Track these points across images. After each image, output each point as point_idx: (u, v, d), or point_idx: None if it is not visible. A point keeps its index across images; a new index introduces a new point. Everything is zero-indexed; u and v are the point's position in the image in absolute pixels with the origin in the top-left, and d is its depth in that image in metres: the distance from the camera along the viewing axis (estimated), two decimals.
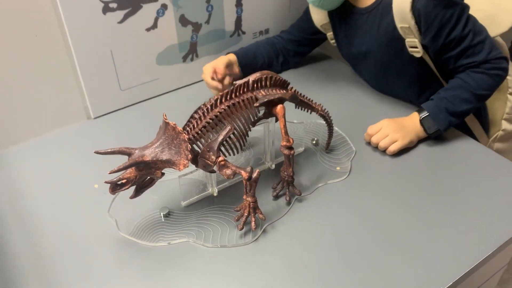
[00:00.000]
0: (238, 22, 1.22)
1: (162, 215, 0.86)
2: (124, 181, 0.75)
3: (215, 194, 0.90)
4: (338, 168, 0.96)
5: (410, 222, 0.84)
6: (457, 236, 0.81)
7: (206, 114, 0.79)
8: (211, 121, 0.78)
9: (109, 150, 0.74)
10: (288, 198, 0.88)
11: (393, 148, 0.96)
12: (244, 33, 1.25)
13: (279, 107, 0.82)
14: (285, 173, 0.87)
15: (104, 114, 1.14)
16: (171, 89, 1.21)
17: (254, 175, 0.79)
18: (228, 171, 0.78)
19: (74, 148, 1.04)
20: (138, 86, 1.14)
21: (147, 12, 1.05)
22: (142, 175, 0.76)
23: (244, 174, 0.78)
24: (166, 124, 0.75)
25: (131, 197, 0.79)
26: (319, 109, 0.92)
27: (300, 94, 0.89)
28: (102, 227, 0.85)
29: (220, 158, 0.78)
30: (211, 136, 0.78)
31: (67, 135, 1.08)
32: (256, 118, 0.82)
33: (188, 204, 0.89)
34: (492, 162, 0.97)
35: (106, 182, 0.73)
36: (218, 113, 0.78)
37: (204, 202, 0.89)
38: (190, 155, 0.75)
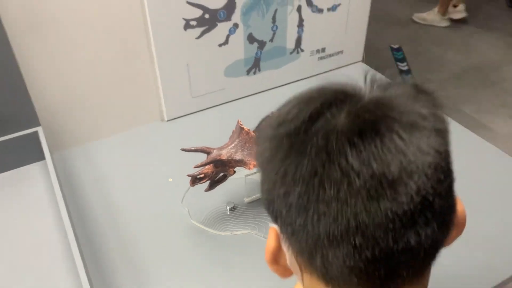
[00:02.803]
0: (298, 40, 1.34)
1: (228, 208, 0.99)
2: (202, 175, 0.88)
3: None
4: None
5: None
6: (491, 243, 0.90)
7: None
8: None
9: (193, 148, 0.87)
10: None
11: None
12: (302, 50, 1.37)
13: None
14: None
15: (176, 117, 1.28)
16: (235, 98, 1.34)
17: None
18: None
19: (148, 146, 1.19)
20: (207, 94, 1.28)
21: (221, 29, 1.19)
22: (218, 171, 0.89)
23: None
24: (241, 129, 0.88)
25: (206, 190, 0.92)
26: None
27: None
28: (176, 215, 0.98)
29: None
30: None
31: (143, 134, 1.23)
32: None
33: (250, 201, 1.01)
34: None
35: (188, 175, 0.87)
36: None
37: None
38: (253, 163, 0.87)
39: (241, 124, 0.88)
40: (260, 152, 0.42)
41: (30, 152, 1.08)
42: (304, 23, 1.32)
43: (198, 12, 1.13)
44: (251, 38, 1.26)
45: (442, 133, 0.39)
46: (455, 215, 0.41)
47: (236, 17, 1.20)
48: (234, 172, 0.90)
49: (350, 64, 1.49)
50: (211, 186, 0.92)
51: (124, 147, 1.19)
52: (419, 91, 0.40)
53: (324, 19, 1.34)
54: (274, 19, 1.26)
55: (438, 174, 0.37)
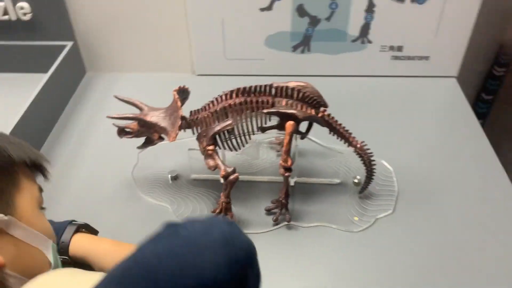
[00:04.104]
0: (365, 29, 1.11)
1: (169, 177, 0.92)
2: (129, 130, 0.82)
3: (222, 181, 0.91)
4: (356, 218, 0.84)
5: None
6: None
7: (216, 103, 0.79)
8: (216, 112, 0.78)
9: (126, 99, 0.82)
10: (275, 219, 0.82)
11: None
12: (370, 42, 1.14)
13: (288, 123, 0.75)
14: (280, 193, 0.81)
15: (207, 74, 1.22)
16: (276, 74, 1.20)
17: (232, 177, 0.76)
18: (211, 162, 0.77)
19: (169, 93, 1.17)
20: (244, 60, 1.18)
21: None
22: (143, 131, 0.82)
23: (222, 172, 0.76)
24: (174, 99, 0.78)
25: (138, 147, 0.86)
26: (356, 145, 0.81)
27: (336, 121, 0.80)
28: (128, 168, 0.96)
29: (209, 147, 0.78)
30: (212, 125, 0.78)
31: (169, 80, 1.20)
32: (265, 125, 0.78)
33: (196, 178, 0.92)
34: None
35: (114, 125, 0.82)
36: (227, 106, 0.77)
37: (209, 184, 0.91)
38: (177, 131, 0.77)
39: (175, 93, 0.78)
40: None
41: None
42: (376, 9, 1.08)
43: None
44: (301, 11, 1.09)
45: None
46: None
47: None
48: (161, 138, 0.82)
49: (438, 77, 1.18)
50: (142, 146, 0.86)
51: (146, 88, 1.19)
52: None
53: (405, 10, 1.08)
54: None
55: None
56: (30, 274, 0.48)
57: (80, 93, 1.18)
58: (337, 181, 0.90)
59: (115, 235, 0.71)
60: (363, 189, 0.86)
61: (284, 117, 0.76)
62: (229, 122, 0.77)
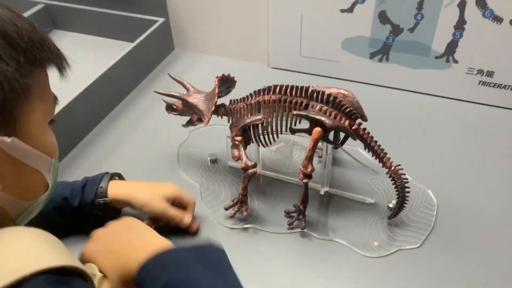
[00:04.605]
0: (452, 47, 1.01)
1: (209, 160, 0.95)
2: (175, 107, 0.87)
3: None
4: (376, 243, 0.78)
5: None
6: None
7: (254, 96, 0.79)
8: (251, 105, 0.78)
9: (177, 78, 0.86)
10: (290, 222, 0.80)
11: None
12: (456, 62, 1.03)
13: (315, 129, 0.73)
14: (299, 198, 0.79)
15: (281, 68, 1.22)
16: (350, 79, 1.16)
17: (250, 170, 0.77)
18: (236, 152, 0.78)
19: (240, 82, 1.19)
20: (318, 60, 1.16)
21: None
22: (185, 111, 0.86)
23: (242, 164, 0.77)
24: (215, 83, 0.80)
25: (182, 125, 0.90)
26: (390, 166, 0.75)
27: (371, 137, 0.75)
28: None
29: (237, 137, 0.79)
30: (244, 116, 0.79)
31: (244, 69, 1.24)
32: (295, 127, 0.76)
33: (232, 165, 0.93)
34: None
35: (163, 100, 0.87)
36: (261, 101, 0.77)
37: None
38: (210, 116, 0.79)
39: (216, 79, 0.80)
40: None
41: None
42: (467, 26, 0.98)
43: None
44: (383, 17, 1.03)
45: None
46: None
47: None
48: (199, 119, 0.85)
49: None
50: (186, 125, 0.89)
51: (222, 72, 1.23)
52: None
53: (502, 32, 0.96)
54: (420, 5, 0.98)
55: None
56: (25, 197, 0.46)
57: (162, 67, 1.27)
58: (370, 200, 0.85)
59: None
60: (394, 215, 0.80)
61: (313, 122, 0.73)
62: (259, 117, 0.77)
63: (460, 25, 0.98)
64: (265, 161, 0.92)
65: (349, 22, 1.07)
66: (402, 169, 0.75)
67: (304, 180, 0.75)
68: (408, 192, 0.76)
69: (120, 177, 0.81)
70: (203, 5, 1.22)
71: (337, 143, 0.79)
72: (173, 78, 0.87)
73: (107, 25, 1.32)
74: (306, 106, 0.75)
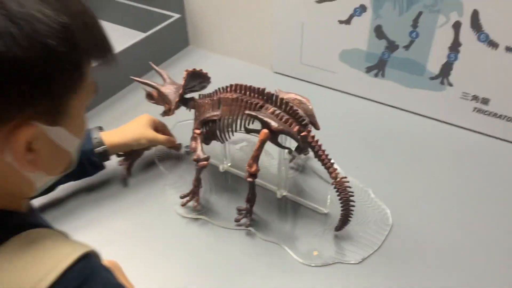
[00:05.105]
0: (447, 69, 0.98)
1: (184, 151, 0.99)
2: (152, 96, 0.91)
3: (221, 170, 0.94)
4: (315, 252, 0.78)
5: None
6: None
7: (218, 93, 0.82)
8: (213, 101, 0.81)
9: (158, 70, 0.91)
10: (237, 219, 0.82)
11: None
12: (450, 85, 1.00)
13: (263, 131, 0.74)
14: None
15: (283, 74, 1.24)
16: (346, 91, 1.15)
17: (201, 163, 0.80)
18: (193, 144, 0.82)
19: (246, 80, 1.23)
20: (317, 69, 1.16)
21: (345, 4, 1.02)
22: (159, 100, 0.90)
23: (195, 156, 0.80)
24: (183, 76, 0.84)
25: (160, 114, 0.95)
26: (336, 177, 0.75)
27: (319, 145, 0.75)
28: None
29: (196, 130, 0.82)
30: (206, 111, 0.82)
31: (248, 71, 1.27)
32: (248, 126, 0.78)
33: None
34: None
35: (143, 89, 0.92)
36: (221, 98, 0.80)
37: (211, 168, 0.95)
38: (173, 107, 0.84)
39: (185, 74, 0.83)
40: None
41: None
42: (462, 49, 0.94)
43: None
44: (379, 32, 1.02)
45: None
46: None
47: None
48: (171, 111, 0.89)
49: None
50: (163, 114, 0.93)
51: (227, 71, 1.26)
52: None
53: (497, 58, 0.91)
54: (415, 22, 0.96)
55: None
56: (53, 172, 0.49)
57: (173, 61, 1.32)
58: (324, 210, 0.85)
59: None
60: (339, 227, 0.79)
61: (262, 124, 0.75)
62: (217, 113, 0.80)
63: (455, 47, 0.95)
64: (235, 159, 0.94)
65: (346, 34, 1.06)
66: (348, 181, 0.75)
67: (249, 179, 0.76)
68: (353, 206, 0.75)
69: (101, 129, 0.89)
70: (216, 6, 1.26)
71: (290, 149, 0.80)
72: (153, 68, 0.91)
73: (126, 15, 1.41)
74: (261, 108, 0.76)
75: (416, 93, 1.05)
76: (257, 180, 0.90)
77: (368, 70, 1.09)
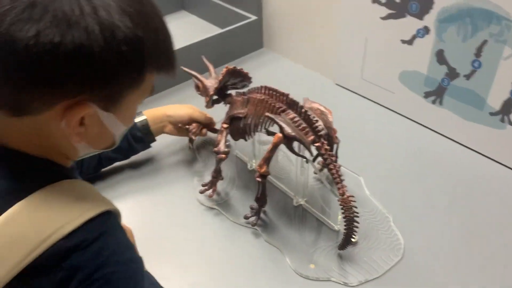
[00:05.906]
0: (508, 105, 0.90)
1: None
2: (198, 87, 0.97)
3: (249, 168, 0.96)
4: (312, 266, 0.77)
5: None
6: None
7: (249, 93, 0.85)
8: (244, 99, 0.84)
9: (208, 64, 0.96)
10: (246, 217, 0.84)
11: None
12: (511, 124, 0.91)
13: (276, 134, 0.75)
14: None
15: (344, 87, 1.22)
16: (403, 114, 1.11)
17: (220, 155, 0.83)
18: (218, 137, 0.86)
19: (307, 87, 1.24)
20: (377, 87, 1.13)
21: (408, 25, 0.98)
22: (203, 92, 0.95)
23: (216, 148, 0.84)
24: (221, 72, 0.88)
25: (205, 106, 1.00)
26: (343, 194, 0.73)
27: (332, 158, 0.73)
28: None
29: (224, 124, 0.86)
30: (236, 108, 0.85)
31: (312, 79, 1.27)
32: (268, 128, 0.80)
33: (239, 156, 1.00)
34: None
35: (194, 80, 0.98)
36: (250, 98, 0.83)
37: (240, 164, 0.98)
38: (209, 100, 0.89)
39: (225, 69, 0.86)
40: None
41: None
42: None
43: None
44: (440, 57, 0.97)
45: None
46: None
47: (430, 19, 0.94)
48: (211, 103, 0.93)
49: None
50: (206, 105, 0.98)
51: (292, 78, 1.28)
52: None
53: None
54: (479, 51, 0.90)
55: None
56: (97, 147, 0.56)
57: (244, 59, 1.37)
58: (335, 227, 0.83)
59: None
60: (341, 246, 0.77)
61: (279, 128, 0.76)
62: (243, 111, 0.82)
63: None
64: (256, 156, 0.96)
65: (408, 55, 1.02)
66: (355, 200, 0.73)
67: (258, 179, 0.78)
68: (357, 227, 0.73)
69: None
70: (292, 13, 1.29)
71: (307, 158, 0.80)
72: (187, 71, 0.96)
73: (208, 11, 1.51)
74: (283, 112, 0.78)
75: (473, 127, 0.98)
76: (279, 184, 0.92)
77: (426, 95, 1.04)
